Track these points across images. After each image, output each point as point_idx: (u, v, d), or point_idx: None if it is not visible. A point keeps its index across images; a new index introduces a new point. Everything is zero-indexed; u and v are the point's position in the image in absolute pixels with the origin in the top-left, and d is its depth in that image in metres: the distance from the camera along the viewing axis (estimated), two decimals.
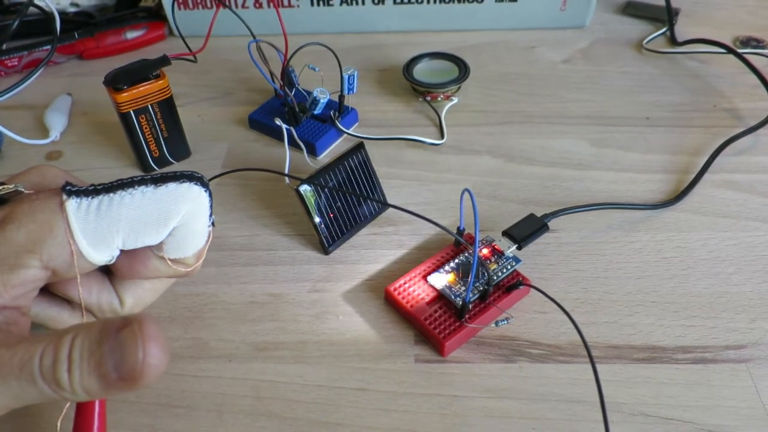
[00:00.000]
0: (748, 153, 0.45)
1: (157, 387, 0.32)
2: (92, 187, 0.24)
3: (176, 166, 0.45)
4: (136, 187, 0.24)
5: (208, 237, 0.27)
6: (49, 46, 0.55)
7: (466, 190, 0.32)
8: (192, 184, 0.25)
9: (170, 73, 0.43)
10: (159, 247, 0.26)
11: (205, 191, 0.26)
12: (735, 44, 0.57)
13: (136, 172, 0.45)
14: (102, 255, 0.25)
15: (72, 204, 0.23)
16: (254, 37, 0.45)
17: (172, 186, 0.25)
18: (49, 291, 0.28)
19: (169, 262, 0.27)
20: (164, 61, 0.41)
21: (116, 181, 0.25)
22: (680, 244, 0.38)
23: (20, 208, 0.24)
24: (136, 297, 0.30)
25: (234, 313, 0.36)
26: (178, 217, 0.25)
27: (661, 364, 0.32)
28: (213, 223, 0.27)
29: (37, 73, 0.51)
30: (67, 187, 0.24)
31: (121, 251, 0.26)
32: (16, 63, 0.55)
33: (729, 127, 0.47)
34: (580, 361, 0.32)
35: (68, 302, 0.29)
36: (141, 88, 0.41)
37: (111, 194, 0.24)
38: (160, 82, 0.41)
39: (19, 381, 0.21)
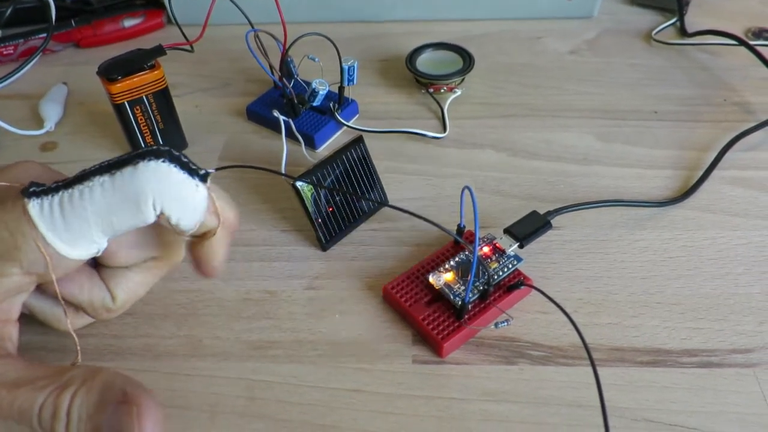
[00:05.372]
0: (759, 149, 0.44)
1: (148, 386, 0.31)
2: (54, 185, 0.23)
3: None
4: (91, 178, 0.23)
5: (208, 194, 0.25)
6: (45, 34, 0.54)
7: (467, 187, 0.31)
8: (146, 161, 0.23)
9: (167, 63, 0.42)
10: (176, 229, 0.25)
11: (163, 161, 0.23)
12: (747, 36, 0.56)
13: None
14: (85, 250, 0.24)
15: (34, 206, 0.23)
16: (252, 26, 0.44)
17: (127, 171, 0.23)
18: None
19: (187, 237, 0.26)
20: (159, 51, 0.40)
21: (76, 174, 0.24)
22: (687, 243, 0.37)
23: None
24: (128, 290, 0.30)
25: (229, 310, 0.35)
26: (148, 198, 0.23)
27: (666, 367, 0.31)
28: (205, 175, 0.25)
29: (33, 62, 0.50)
30: (30, 188, 0.23)
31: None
32: (12, 51, 0.54)
33: (739, 122, 0.46)
34: (582, 363, 0.32)
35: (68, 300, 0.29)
36: (135, 79, 0.40)
37: (70, 190, 0.23)
38: (155, 72, 0.40)
39: (19, 424, 0.22)
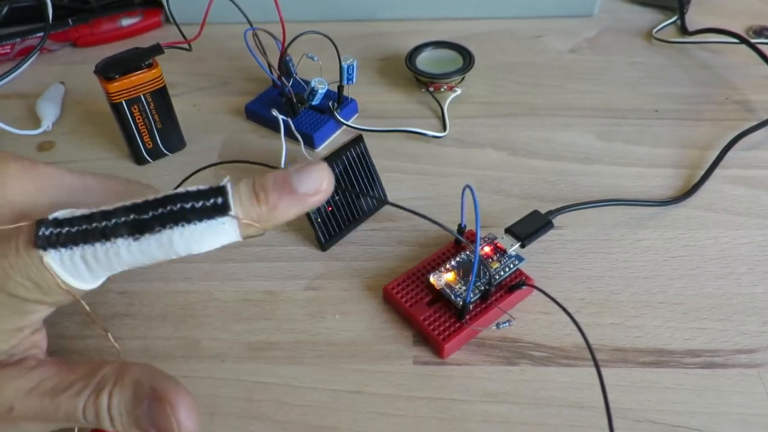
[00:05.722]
0: (761, 147, 0.43)
1: None
2: (66, 230, 0.22)
3: (171, 158, 0.44)
4: (113, 239, 0.21)
5: (235, 219, 0.22)
6: (42, 34, 0.54)
7: (468, 186, 0.30)
8: (168, 229, 0.21)
9: (165, 62, 0.41)
10: None
11: (182, 225, 0.21)
12: (748, 34, 0.55)
13: (130, 165, 0.44)
14: (105, 278, 0.24)
15: (54, 259, 0.22)
16: (251, 24, 0.44)
17: (152, 239, 0.21)
18: None
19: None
20: (157, 49, 0.40)
21: (90, 221, 0.22)
22: (689, 243, 0.37)
23: (8, 263, 0.22)
24: None
25: (227, 311, 0.35)
26: (177, 255, 0.22)
27: (669, 368, 0.31)
28: (225, 205, 0.22)
29: (29, 61, 0.50)
30: (39, 234, 0.22)
31: None
32: (9, 51, 0.54)
33: (741, 121, 0.45)
34: (584, 364, 0.31)
35: None
36: (133, 78, 0.39)
37: (91, 246, 0.22)
38: (153, 71, 0.40)
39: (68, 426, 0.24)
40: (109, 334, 0.27)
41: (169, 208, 0.22)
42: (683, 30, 0.56)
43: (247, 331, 0.33)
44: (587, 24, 0.57)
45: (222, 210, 0.22)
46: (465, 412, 0.30)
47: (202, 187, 0.22)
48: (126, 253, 0.22)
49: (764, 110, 0.47)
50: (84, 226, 0.22)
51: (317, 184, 0.23)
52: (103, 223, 0.22)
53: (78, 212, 0.22)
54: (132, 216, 0.22)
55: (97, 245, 0.22)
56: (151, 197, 0.22)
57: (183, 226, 0.22)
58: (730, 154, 0.42)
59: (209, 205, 0.22)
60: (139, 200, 0.22)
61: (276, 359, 0.32)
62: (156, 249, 0.22)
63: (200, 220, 0.22)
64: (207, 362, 0.32)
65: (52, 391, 0.24)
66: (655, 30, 0.55)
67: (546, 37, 0.56)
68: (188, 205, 0.22)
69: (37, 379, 0.24)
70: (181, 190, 0.22)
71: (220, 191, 0.22)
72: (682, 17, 0.56)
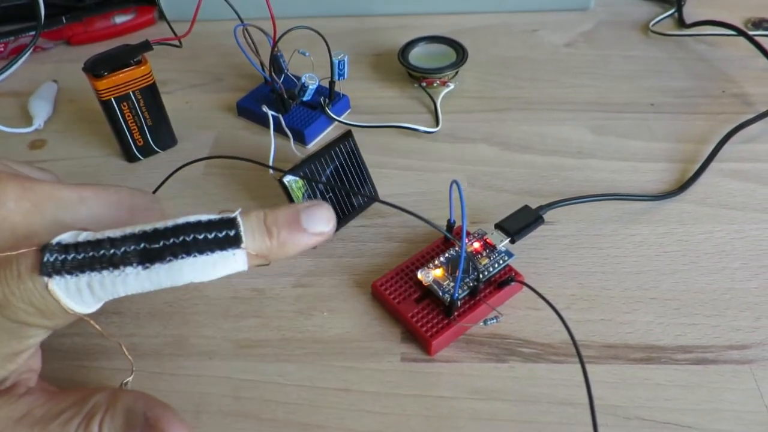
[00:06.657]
0: (758, 141, 0.43)
1: (133, 385, 0.31)
2: (72, 256, 0.21)
3: (162, 155, 0.44)
4: (121, 268, 0.21)
5: (246, 253, 0.23)
6: (35, 32, 0.54)
7: (454, 181, 0.30)
8: (179, 260, 0.21)
9: (158, 59, 0.41)
10: None
11: (194, 256, 0.21)
12: (746, 26, 0.55)
13: (121, 162, 0.44)
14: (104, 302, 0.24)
15: (59, 286, 0.21)
16: (241, 20, 0.44)
17: (162, 269, 0.21)
18: None
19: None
20: (146, 46, 0.39)
21: (98, 248, 0.22)
22: (683, 238, 0.37)
23: (8, 288, 0.21)
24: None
25: (216, 308, 0.34)
26: (185, 283, 0.22)
27: (660, 364, 0.31)
28: (237, 237, 0.22)
29: (22, 60, 0.49)
30: (45, 260, 0.21)
31: None
32: (2, 49, 0.54)
33: (738, 114, 0.45)
34: (573, 361, 0.31)
35: None
36: (121, 75, 0.39)
37: (98, 274, 0.21)
38: (142, 68, 0.40)
39: None
40: (122, 347, 0.27)
41: (181, 238, 0.22)
42: (680, 23, 0.55)
43: (235, 328, 0.33)
44: (583, 18, 0.57)
45: (234, 242, 0.22)
46: (453, 410, 0.29)
47: (213, 217, 0.23)
48: (134, 281, 0.22)
49: (762, 103, 0.46)
50: (91, 253, 0.22)
51: (325, 225, 0.24)
52: (112, 251, 0.22)
53: (83, 237, 0.22)
54: (142, 245, 0.22)
55: (105, 273, 0.21)
56: (161, 225, 0.22)
57: (195, 256, 0.22)
58: (726, 147, 0.42)
59: (221, 236, 0.22)
60: (148, 228, 0.22)
61: (264, 357, 0.32)
62: (165, 278, 0.22)
63: (212, 251, 0.22)
64: (194, 360, 0.32)
65: (42, 420, 0.23)
66: (651, 23, 0.55)
67: (541, 32, 0.55)
68: (201, 236, 0.22)
69: (26, 407, 0.24)
70: (192, 218, 0.22)
71: (232, 223, 0.22)
72: (679, 9, 0.56)
